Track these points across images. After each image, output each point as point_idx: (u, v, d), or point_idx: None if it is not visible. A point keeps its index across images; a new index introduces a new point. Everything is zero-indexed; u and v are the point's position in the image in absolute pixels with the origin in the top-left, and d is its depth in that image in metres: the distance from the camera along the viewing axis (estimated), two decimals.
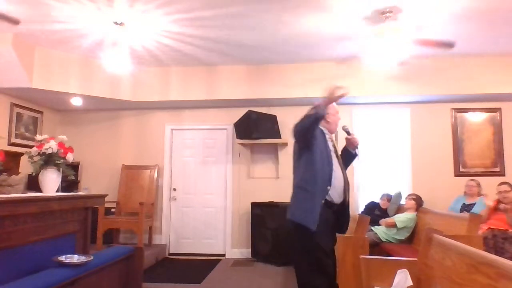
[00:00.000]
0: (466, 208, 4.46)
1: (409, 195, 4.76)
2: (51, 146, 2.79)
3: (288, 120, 5.60)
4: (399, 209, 4.83)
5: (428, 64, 4.89)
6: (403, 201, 4.88)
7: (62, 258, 2.31)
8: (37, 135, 2.95)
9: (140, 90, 5.43)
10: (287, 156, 5.49)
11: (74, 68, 4.91)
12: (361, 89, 5.02)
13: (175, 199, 5.86)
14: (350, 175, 2.91)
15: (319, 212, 2.55)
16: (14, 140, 5.13)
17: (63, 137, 3.01)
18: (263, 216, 5.20)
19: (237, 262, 5.23)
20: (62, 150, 2.87)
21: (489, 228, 3.84)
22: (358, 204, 5.35)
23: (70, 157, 2.93)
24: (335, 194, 2.66)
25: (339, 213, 2.74)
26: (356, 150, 2.99)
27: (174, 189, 5.87)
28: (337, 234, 2.91)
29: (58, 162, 2.82)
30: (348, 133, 2.97)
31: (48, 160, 2.78)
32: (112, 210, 5.50)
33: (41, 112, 5.70)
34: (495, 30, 4.06)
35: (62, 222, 2.71)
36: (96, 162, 5.94)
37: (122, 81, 5.25)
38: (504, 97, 5.17)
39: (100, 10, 3.63)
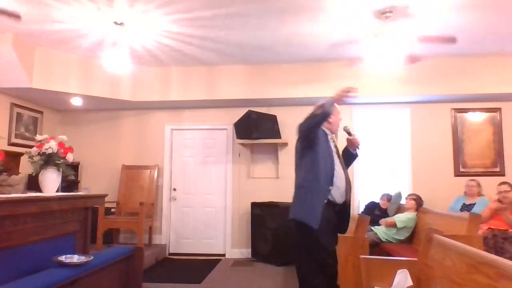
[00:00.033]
0: (466, 208, 4.46)
1: (409, 195, 4.76)
2: (51, 146, 2.79)
3: (288, 120, 5.61)
4: (399, 209, 4.83)
5: (428, 64, 4.89)
6: (403, 201, 4.88)
7: (62, 258, 2.31)
8: (37, 135, 2.95)
9: (140, 90, 5.43)
10: (287, 156, 5.50)
11: (74, 68, 4.91)
12: (361, 89, 4.98)
13: (175, 199, 5.86)
14: (350, 175, 2.91)
15: (322, 211, 2.56)
16: (14, 140, 5.13)
17: (63, 137, 3.01)
18: (263, 216, 5.20)
19: (237, 262, 5.23)
20: (62, 150, 2.87)
21: (489, 228, 3.84)
22: (358, 204, 5.35)
23: (70, 157, 2.93)
24: (337, 194, 2.67)
25: (340, 213, 2.74)
26: (357, 151, 3.00)
27: (174, 189, 5.87)
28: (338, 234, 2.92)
29: (58, 162, 2.82)
30: (349, 133, 2.98)
31: (48, 160, 2.78)
32: (112, 210, 5.50)
33: (41, 112, 5.70)
34: (495, 30, 4.06)
35: (62, 222, 2.71)
36: (96, 162, 5.94)
37: (122, 81, 5.25)
38: (504, 97, 5.18)
39: (100, 10, 3.63)
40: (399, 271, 2.12)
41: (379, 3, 3.44)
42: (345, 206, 2.75)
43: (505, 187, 4.13)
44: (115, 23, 3.84)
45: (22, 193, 2.53)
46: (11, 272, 2.19)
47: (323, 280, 2.62)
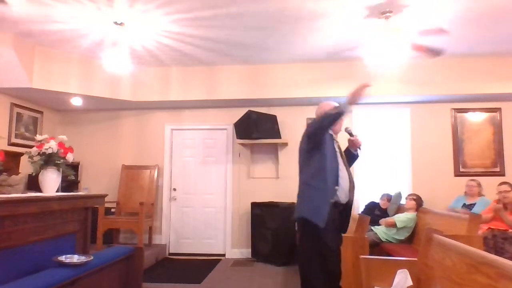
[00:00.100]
0: (467, 208, 4.46)
1: (409, 195, 4.76)
2: (51, 146, 2.79)
3: (288, 120, 5.61)
4: (399, 209, 4.83)
5: (428, 64, 4.89)
6: (403, 201, 4.88)
7: (62, 258, 2.31)
8: (37, 135, 2.95)
9: (140, 90, 5.43)
10: (287, 156, 5.51)
11: (74, 68, 4.91)
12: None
13: (175, 199, 5.86)
14: None
15: (328, 211, 2.57)
16: (14, 140, 5.13)
17: (63, 137, 3.01)
18: (263, 216, 5.20)
19: (237, 262, 5.23)
20: (62, 150, 2.87)
21: (489, 228, 3.84)
22: (358, 204, 5.35)
23: (70, 157, 2.93)
24: (342, 194, 2.70)
25: (342, 212, 2.76)
26: (358, 151, 3.01)
27: (174, 189, 5.87)
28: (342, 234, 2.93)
29: (58, 162, 2.82)
30: (350, 134, 2.98)
31: (48, 160, 2.78)
32: (112, 210, 5.50)
33: (41, 112, 5.70)
34: (495, 30, 4.06)
35: (62, 222, 2.71)
36: (96, 162, 5.94)
37: (122, 81, 5.25)
38: (504, 97, 5.18)
39: (100, 10, 3.63)
40: (399, 271, 2.12)
41: (379, 3, 3.44)
42: (348, 206, 2.77)
43: (505, 187, 4.13)
44: (115, 23, 3.84)
45: (22, 193, 2.53)
46: (11, 272, 2.19)
47: (326, 280, 2.63)
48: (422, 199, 4.64)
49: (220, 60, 5.08)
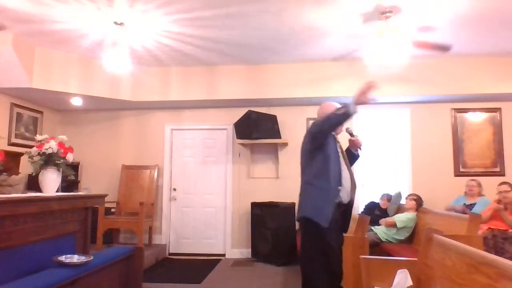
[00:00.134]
0: (467, 208, 4.46)
1: (409, 195, 4.76)
2: (51, 146, 2.79)
3: (288, 120, 5.61)
4: (399, 209, 4.83)
5: (428, 64, 4.90)
6: (403, 201, 4.88)
7: (62, 258, 2.31)
8: (37, 135, 2.95)
9: (140, 90, 5.43)
10: (287, 156, 5.51)
11: (74, 68, 4.91)
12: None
13: (175, 199, 5.86)
14: None
15: (332, 211, 2.58)
16: (14, 140, 5.13)
17: (63, 137, 3.01)
18: (263, 216, 5.20)
19: (237, 262, 5.23)
20: (62, 150, 2.87)
21: (489, 228, 3.84)
22: (358, 204, 5.35)
23: (70, 157, 2.93)
24: (344, 194, 2.71)
25: (343, 212, 2.76)
26: (359, 151, 3.01)
27: (174, 189, 5.87)
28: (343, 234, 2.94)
29: (58, 162, 2.82)
30: (351, 134, 2.98)
31: (48, 160, 2.78)
32: (112, 210, 5.50)
33: (41, 112, 5.70)
34: (495, 30, 4.06)
35: (62, 222, 2.71)
36: (96, 162, 5.94)
37: (122, 81, 5.25)
38: (504, 97, 5.18)
39: (100, 10, 3.63)
40: (399, 271, 2.12)
41: (379, 2, 3.44)
42: (349, 206, 2.78)
43: (505, 187, 4.13)
44: (115, 23, 3.84)
45: (22, 193, 2.53)
46: (11, 272, 2.19)
47: (328, 279, 2.63)
48: (422, 199, 4.64)
49: (220, 60, 5.08)
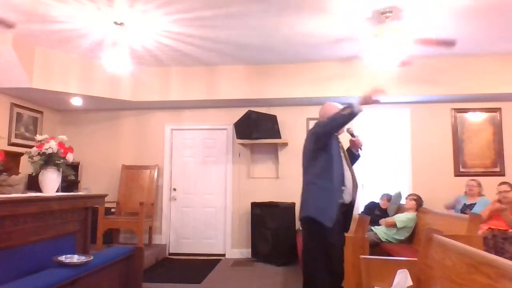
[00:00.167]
0: (467, 208, 4.46)
1: (409, 195, 4.75)
2: (51, 146, 2.79)
3: (288, 120, 5.61)
4: (399, 209, 4.83)
5: (428, 64, 4.89)
6: (403, 201, 4.88)
7: (62, 258, 2.31)
8: (37, 135, 2.95)
9: (140, 90, 5.43)
10: (287, 156, 5.51)
11: (74, 68, 4.91)
12: (360, 89, 5.00)
13: (175, 199, 5.86)
14: None
15: (336, 211, 2.58)
16: (14, 140, 5.13)
17: (63, 137, 3.01)
18: (263, 216, 5.20)
19: (237, 262, 5.23)
20: (62, 150, 2.87)
21: (489, 228, 3.84)
22: (358, 204, 5.35)
23: (70, 157, 2.93)
24: (346, 194, 2.72)
25: (344, 212, 2.76)
26: (359, 152, 3.01)
27: (174, 189, 5.87)
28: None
29: (58, 162, 2.82)
30: (352, 135, 2.98)
31: (48, 160, 2.78)
32: (112, 210, 5.50)
33: (41, 112, 5.70)
34: (495, 30, 4.06)
35: (62, 222, 2.71)
36: (96, 162, 5.94)
37: (122, 81, 5.25)
38: (504, 97, 5.17)
39: (100, 10, 3.63)
40: (399, 271, 2.12)
41: (379, 3, 3.44)
42: (350, 205, 2.78)
43: (505, 187, 4.12)
44: (115, 23, 3.84)
45: (22, 193, 2.53)
46: (11, 272, 2.19)
47: (329, 279, 2.63)
48: (422, 199, 4.64)
49: (220, 60, 5.08)
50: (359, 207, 5.30)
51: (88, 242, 3.06)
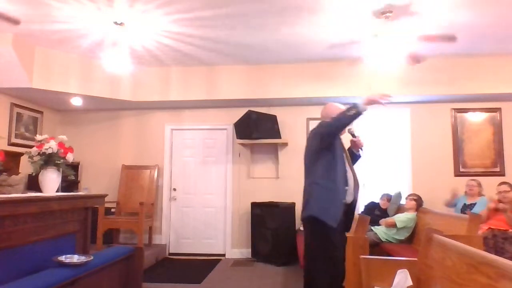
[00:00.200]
0: (467, 208, 4.46)
1: (409, 195, 4.76)
2: (51, 146, 2.79)
3: (288, 120, 5.61)
4: (399, 209, 4.83)
5: (428, 64, 4.88)
6: (403, 201, 4.88)
7: (62, 258, 2.31)
8: (37, 135, 2.95)
9: (140, 90, 5.43)
10: (287, 156, 5.51)
11: (74, 68, 4.91)
12: (361, 89, 5.02)
13: (175, 199, 5.86)
14: None
15: (340, 212, 2.58)
16: (14, 140, 5.13)
17: (63, 137, 3.01)
18: (263, 216, 5.20)
19: (237, 262, 5.23)
20: (62, 150, 2.87)
21: (489, 228, 3.84)
22: (358, 204, 5.34)
23: (70, 157, 2.93)
24: (349, 194, 2.72)
25: (346, 212, 2.77)
26: (360, 152, 3.01)
27: (174, 189, 5.87)
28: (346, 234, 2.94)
29: (58, 162, 2.82)
30: (353, 135, 2.98)
31: (48, 160, 2.78)
32: (112, 210, 5.50)
33: (41, 112, 5.70)
34: (495, 29, 4.05)
35: (62, 222, 2.71)
36: (96, 162, 5.94)
37: (122, 81, 5.25)
38: (504, 97, 5.17)
39: (100, 10, 3.63)
40: (399, 271, 2.12)
41: (379, 3, 3.44)
42: (352, 205, 2.78)
43: (505, 187, 4.13)
44: (115, 23, 3.84)
45: (22, 193, 2.53)
46: (11, 272, 2.19)
47: (330, 279, 2.63)
48: (422, 199, 4.64)
49: (220, 60, 5.08)
50: (359, 207, 5.30)
51: (88, 242, 3.06)
